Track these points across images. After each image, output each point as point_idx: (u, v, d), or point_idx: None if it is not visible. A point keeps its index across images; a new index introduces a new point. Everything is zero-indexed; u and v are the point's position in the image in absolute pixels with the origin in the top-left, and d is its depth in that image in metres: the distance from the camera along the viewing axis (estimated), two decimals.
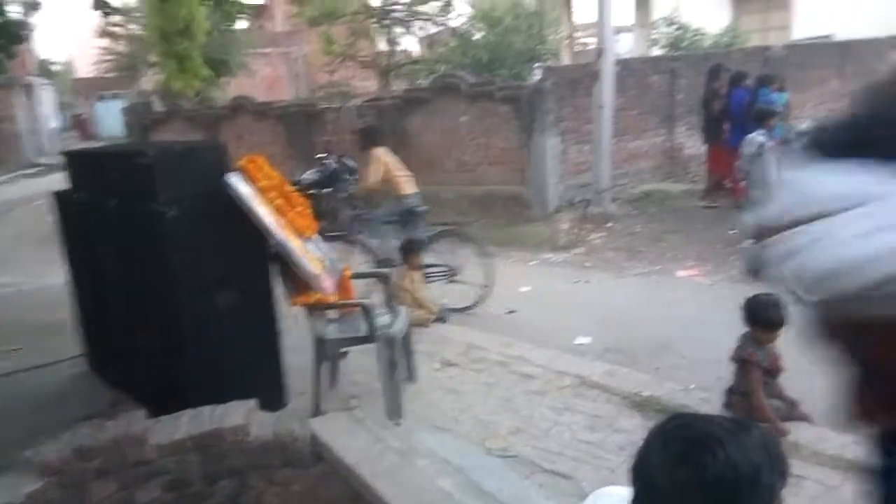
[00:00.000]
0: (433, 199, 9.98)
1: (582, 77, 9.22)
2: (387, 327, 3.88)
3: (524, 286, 6.93)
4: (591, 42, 17.25)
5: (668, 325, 5.61)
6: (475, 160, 9.65)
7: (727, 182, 9.11)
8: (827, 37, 13.72)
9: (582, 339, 5.45)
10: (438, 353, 4.81)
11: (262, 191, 3.43)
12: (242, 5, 7.60)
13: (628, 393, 3.95)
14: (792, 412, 3.51)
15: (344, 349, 4.18)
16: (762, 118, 6.66)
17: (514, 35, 13.34)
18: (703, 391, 4.08)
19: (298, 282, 3.65)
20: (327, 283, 3.67)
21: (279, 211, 3.47)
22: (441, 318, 5.42)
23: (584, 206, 9.13)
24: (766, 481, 0.95)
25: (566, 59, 16.30)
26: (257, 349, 3.85)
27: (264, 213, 3.37)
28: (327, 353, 3.90)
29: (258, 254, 3.66)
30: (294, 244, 3.50)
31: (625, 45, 21.05)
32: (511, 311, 6.18)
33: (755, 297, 3.37)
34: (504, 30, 13.17)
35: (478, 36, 13.52)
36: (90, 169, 4.23)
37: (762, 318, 3.37)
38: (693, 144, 10.04)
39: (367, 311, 3.73)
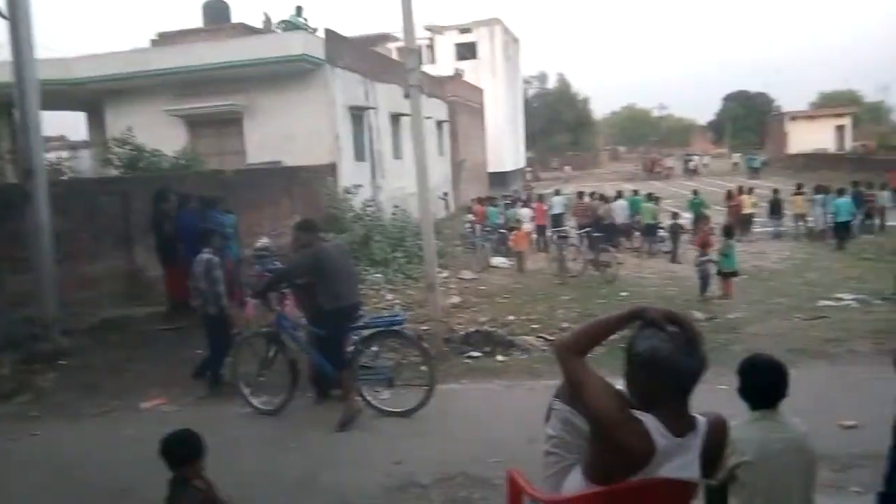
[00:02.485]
0: None
1: (14, 199, 8.08)
2: None
3: None
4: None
5: (131, 468, 5.08)
6: None
7: (192, 301, 9.07)
8: (277, 162, 15.41)
9: None
10: None
11: None
12: None
13: None
14: None
15: None
16: (207, 238, 6.85)
17: None
18: None
19: None
20: None
21: None
22: None
23: (29, 344, 7.82)
24: None
25: (11, 177, 14.29)
26: None
27: None
28: None
29: None
30: None
31: (85, 163, 19.77)
32: None
33: (169, 436, 3.19)
34: None
35: None
36: None
37: (178, 454, 3.19)
38: (155, 266, 9.75)
39: None
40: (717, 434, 2.25)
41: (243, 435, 5.71)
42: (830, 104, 62.59)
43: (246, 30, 18.55)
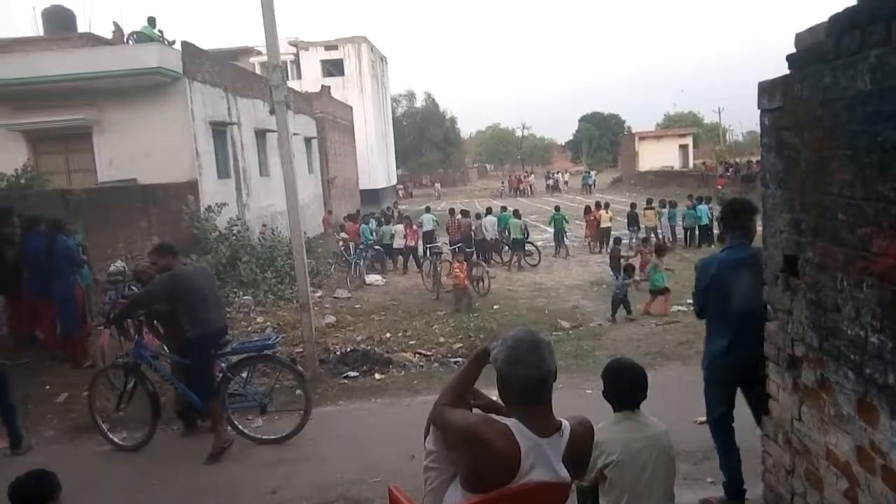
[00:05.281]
0: None
1: None
2: None
3: None
4: None
5: None
6: None
7: (38, 333, 8.30)
8: (132, 180, 14.42)
9: None
10: None
11: None
12: None
13: None
14: None
15: None
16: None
17: None
18: None
19: None
20: None
21: None
22: None
23: None
24: None
25: None
26: None
27: None
28: None
29: None
30: None
31: None
32: None
33: (18, 478, 2.91)
34: None
35: None
36: None
37: (30, 496, 2.91)
38: None
39: None
40: (583, 436, 2.36)
41: (102, 475, 5.27)
42: (675, 125, 68.27)
43: (94, 40, 17.34)
